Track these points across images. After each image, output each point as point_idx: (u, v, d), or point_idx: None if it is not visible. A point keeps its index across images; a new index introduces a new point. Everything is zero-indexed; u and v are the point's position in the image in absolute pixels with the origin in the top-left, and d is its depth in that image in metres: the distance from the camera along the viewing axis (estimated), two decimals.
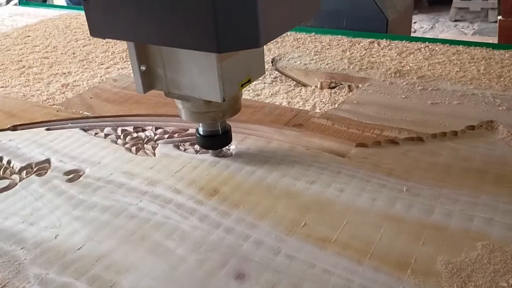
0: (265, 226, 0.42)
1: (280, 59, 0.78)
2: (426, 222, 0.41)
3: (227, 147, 0.54)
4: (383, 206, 0.43)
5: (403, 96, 0.63)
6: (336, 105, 0.62)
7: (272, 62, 0.77)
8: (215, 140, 0.51)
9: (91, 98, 0.71)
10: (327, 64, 0.74)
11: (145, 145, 0.57)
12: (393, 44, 0.89)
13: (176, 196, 0.47)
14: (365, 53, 0.83)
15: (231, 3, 0.35)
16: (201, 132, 0.51)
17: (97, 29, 0.42)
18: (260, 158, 0.52)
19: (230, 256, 0.39)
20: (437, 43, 0.88)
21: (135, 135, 0.60)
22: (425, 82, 0.67)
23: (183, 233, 0.42)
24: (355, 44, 0.89)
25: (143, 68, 0.45)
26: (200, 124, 0.50)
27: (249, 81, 0.46)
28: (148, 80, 0.47)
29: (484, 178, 0.47)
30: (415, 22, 3.39)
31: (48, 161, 0.55)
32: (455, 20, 3.43)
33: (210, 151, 0.53)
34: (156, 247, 0.40)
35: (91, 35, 0.42)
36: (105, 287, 0.37)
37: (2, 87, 0.83)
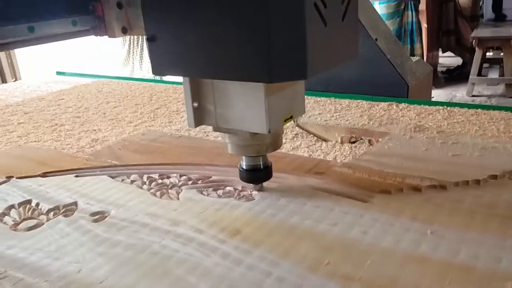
0: (287, 264, 0.42)
1: (301, 116, 0.80)
2: (452, 263, 0.40)
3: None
4: (407, 247, 0.43)
5: (424, 149, 0.64)
6: (359, 156, 0.63)
7: (293, 120, 0.80)
8: (257, 174, 0.54)
9: (119, 149, 0.74)
10: (347, 121, 0.76)
11: (169, 190, 0.58)
12: (412, 107, 0.91)
13: (199, 236, 0.47)
14: (384, 113, 0.85)
15: (284, 37, 0.39)
16: (244, 166, 0.53)
17: (158, 67, 0.47)
18: (282, 202, 0.53)
19: None
20: (456, 107, 0.90)
21: (160, 181, 0.61)
22: (445, 137, 0.68)
23: (205, 269, 0.42)
24: (374, 106, 0.91)
25: (195, 104, 0.49)
26: (244, 159, 0.53)
27: (291, 118, 0.50)
28: (199, 116, 0.50)
29: (509, 223, 0.46)
30: (432, 97, 3.45)
31: (75, 203, 0.56)
32: (472, 96, 3.48)
33: (252, 185, 0.55)
34: (178, 282, 0.40)
35: (153, 73, 0.48)
36: None
37: (35, 141, 0.87)
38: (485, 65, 3.53)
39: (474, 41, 3.00)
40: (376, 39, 1.05)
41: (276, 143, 0.52)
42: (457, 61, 4.19)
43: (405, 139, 0.68)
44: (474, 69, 3.18)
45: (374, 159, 0.62)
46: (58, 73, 1.71)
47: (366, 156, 0.63)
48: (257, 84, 0.46)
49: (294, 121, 0.80)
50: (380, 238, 0.45)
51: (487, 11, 3.61)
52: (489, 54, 3.63)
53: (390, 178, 0.56)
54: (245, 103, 0.47)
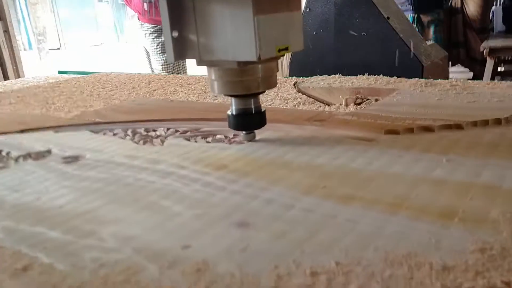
0: (278, 189, 0.35)
1: (302, 81, 0.75)
2: (474, 183, 0.34)
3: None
4: (420, 172, 0.37)
5: (437, 99, 0.58)
6: (363, 107, 0.57)
7: (294, 85, 0.75)
8: (249, 119, 0.47)
9: (105, 111, 0.69)
10: (352, 83, 0.70)
11: (154, 139, 0.53)
12: (423, 81, 0.85)
13: (180, 171, 0.41)
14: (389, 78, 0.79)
15: None
16: (233, 111, 0.47)
17: None
18: (277, 144, 0.47)
19: (234, 211, 0.32)
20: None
21: (145, 133, 0.56)
22: (459, 89, 0.62)
23: (182, 195, 0.36)
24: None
25: (175, 34, 0.44)
26: (233, 103, 0.47)
27: (286, 49, 0.44)
28: (179, 48, 0.45)
29: None
30: None
31: (49, 151, 0.51)
32: None
33: (241, 134, 0.49)
34: (150, 205, 0.34)
35: None
36: (81, 235, 0.30)
37: (21, 109, 0.83)
38: (496, 77, 3.46)
39: (484, 51, 2.94)
40: (388, 18, 1.00)
41: (269, 80, 0.46)
42: (467, 75, 4.12)
43: (416, 93, 0.62)
44: (486, 80, 3.11)
45: (381, 108, 0.56)
46: (60, 72, 1.68)
47: (373, 107, 0.57)
48: (244, 2, 0.41)
49: (294, 86, 0.74)
50: (386, 167, 0.38)
51: (497, 23, 3.56)
52: (501, 68, 3.56)
53: (399, 121, 0.50)
54: (231, 27, 0.42)
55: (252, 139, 0.49)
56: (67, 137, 0.55)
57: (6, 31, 2.45)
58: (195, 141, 0.51)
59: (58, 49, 10.72)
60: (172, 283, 0.24)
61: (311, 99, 0.72)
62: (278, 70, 0.48)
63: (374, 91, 0.66)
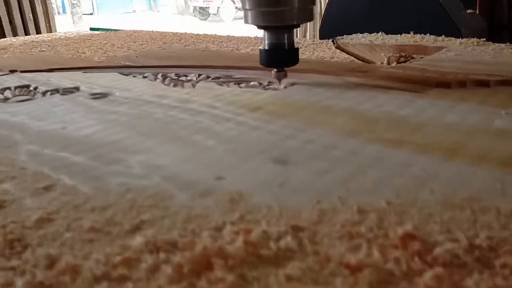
0: (318, 130, 0.33)
1: (342, 38, 0.71)
2: None
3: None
4: (477, 122, 0.33)
5: (491, 56, 0.53)
6: (408, 62, 0.53)
7: (332, 41, 0.71)
8: (281, 55, 0.44)
9: (136, 56, 0.67)
10: (396, 40, 0.66)
11: (184, 83, 0.50)
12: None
13: (212, 110, 0.39)
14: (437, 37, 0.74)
15: None
16: (265, 46, 0.44)
17: None
18: (316, 90, 0.44)
19: (271, 148, 0.30)
20: None
21: (175, 78, 0.53)
22: None
23: (215, 132, 0.33)
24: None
25: None
26: (266, 37, 0.44)
27: None
28: None
29: None
30: None
31: (77, 88, 0.49)
32: None
33: (273, 72, 0.46)
34: (180, 138, 0.32)
35: None
36: (108, 162, 0.28)
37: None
38: None
39: None
40: None
41: (305, 12, 0.43)
42: None
43: (467, 51, 0.57)
44: None
45: (430, 63, 0.52)
46: (92, 28, 1.67)
47: (420, 61, 0.53)
48: None
49: (333, 42, 0.70)
50: (439, 116, 0.35)
51: None
52: None
53: (450, 75, 0.46)
54: None
55: (283, 78, 0.46)
56: (95, 77, 0.53)
57: None
58: (228, 86, 0.48)
59: (91, 14, 10.76)
60: (203, 210, 0.22)
61: (351, 57, 0.68)
62: (315, 4, 0.44)
63: (421, 49, 0.62)
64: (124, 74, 0.56)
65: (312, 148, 0.29)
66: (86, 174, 0.26)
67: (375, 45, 0.65)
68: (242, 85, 0.48)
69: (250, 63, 0.58)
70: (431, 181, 0.24)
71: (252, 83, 0.49)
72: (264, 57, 0.45)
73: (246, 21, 0.44)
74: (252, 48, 0.74)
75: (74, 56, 0.82)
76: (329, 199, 0.23)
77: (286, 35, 0.43)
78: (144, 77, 0.54)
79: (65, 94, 0.46)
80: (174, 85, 0.49)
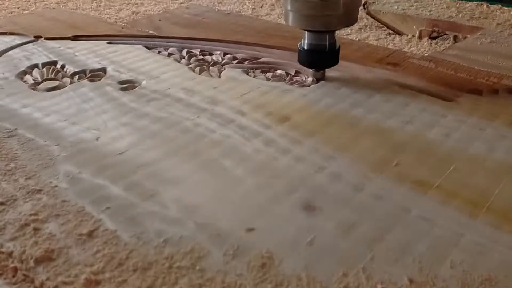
0: (345, 159, 0.33)
1: (373, 2, 0.68)
2: None
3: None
4: (503, 156, 0.33)
5: None
6: (442, 50, 0.52)
7: (363, 5, 0.67)
8: (321, 57, 0.43)
9: (159, 20, 0.65)
10: (430, 11, 0.63)
11: (210, 68, 0.50)
12: (506, 9, 0.76)
13: (240, 118, 0.39)
14: (475, 8, 0.71)
15: None
16: (305, 46, 0.43)
17: None
18: (344, 91, 0.43)
19: (299, 185, 0.31)
20: None
21: (200, 57, 0.53)
22: None
23: (244, 154, 0.34)
24: (460, 3, 0.76)
25: None
26: (306, 36, 0.43)
27: None
28: None
29: None
30: None
31: (103, 69, 0.49)
32: None
33: (311, 71, 0.46)
34: (210, 164, 0.33)
35: None
36: (144, 196, 0.30)
37: (72, 9, 0.79)
38: None
39: None
40: None
41: (350, 17, 0.41)
42: None
43: (503, 36, 0.55)
44: None
45: (462, 55, 0.50)
46: None
47: (452, 50, 0.52)
48: None
49: (364, 8, 0.67)
50: (467, 143, 0.35)
51: None
52: None
53: (482, 77, 0.45)
54: None
55: (321, 77, 0.46)
56: (122, 54, 0.53)
57: None
58: (254, 76, 0.48)
59: None
60: (237, 277, 0.24)
61: (380, 24, 0.65)
62: (361, 4, 0.42)
63: (455, 27, 0.59)
64: (149, 48, 0.55)
65: (339, 188, 0.30)
66: (125, 214, 0.28)
67: (407, 16, 0.63)
68: (269, 74, 0.48)
69: (277, 38, 0.56)
70: (453, 249, 0.25)
71: (278, 72, 0.49)
72: (303, 57, 0.44)
73: (286, 21, 0.42)
74: (276, 13, 0.71)
75: (97, 13, 0.80)
76: (355, 269, 0.24)
77: (328, 36, 0.42)
78: (170, 54, 0.53)
79: (93, 81, 0.47)
80: (201, 71, 0.49)
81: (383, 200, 0.29)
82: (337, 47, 0.44)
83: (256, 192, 0.30)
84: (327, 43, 0.43)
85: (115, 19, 0.71)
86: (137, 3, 0.83)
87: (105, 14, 0.75)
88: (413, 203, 0.29)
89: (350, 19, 0.41)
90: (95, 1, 0.85)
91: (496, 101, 0.41)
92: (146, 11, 0.78)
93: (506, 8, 0.76)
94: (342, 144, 0.35)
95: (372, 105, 0.41)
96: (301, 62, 0.45)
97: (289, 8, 0.42)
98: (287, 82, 0.46)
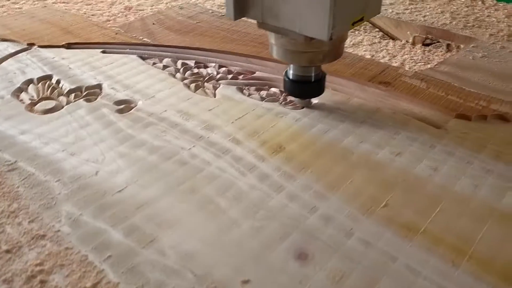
0: (336, 199, 0.35)
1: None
2: None
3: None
4: (487, 196, 0.35)
5: None
6: (434, 66, 0.52)
7: (364, 21, 0.67)
8: (306, 87, 0.44)
9: (153, 24, 0.65)
10: (424, 16, 0.63)
11: (205, 83, 0.50)
12: (500, 5, 0.76)
13: (235, 147, 0.40)
14: (467, 10, 0.71)
15: None
16: (290, 76, 0.44)
17: None
18: (336, 116, 0.44)
19: (292, 229, 0.32)
20: None
21: (195, 70, 0.53)
22: None
23: (239, 191, 0.35)
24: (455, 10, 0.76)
25: None
26: (291, 66, 0.43)
27: (361, 20, 0.38)
28: (242, 5, 0.39)
29: None
30: None
31: (99, 86, 0.50)
32: None
33: (296, 99, 0.46)
34: (206, 204, 0.34)
35: None
36: (143, 242, 0.31)
37: (64, 2, 0.78)
38: None
39: None
40: None
41: (336, 52, 0.41)
42: None
43: (495, 50, 0.55)
44: None
45: (454, 72, 0.51)
46: None
47: (445, 66, 0.52)
48: None
49: None
50: (453, 179, 0.36)
51: None
52: None
53: (472, 100, 0.46)
54: None
55: (307, 105, 0.46)
56: (117, 66, 0.53)
57: None
58: (249, 94, 0.48)
59: None
60: None
61: (374, 27, 0.65)
62: (347, 38, 0.43)
63: (448, 35, 0.59)
64: (143, 58, 0.55)
65: (330, 233, 0.32)
66: (126, 263, 0.29)
67: (402, 21, 0.63)
68: (263, 93, 0.49)
69: None
70: None
71: (272, 90, 0.49)
72: (288, 87, 0.44)
73: (270, 53, 0.43)
74: None
75: (88, 15, 0.79)
76: None
77: (313, 68, 0.42)
78: (165, 66, 0.54)
79: (89, 100, 0.47)
80: (196, 88, 0.49)
81: (372, 246, 0.31)
82: (322, 76, 0.44)
83: (250, 237, 0.32)
84: (312, 74, 0.43)
85: (107, 17, 0.71)
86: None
87: (97, 10, 0.74)
88: (400, 250, 0.30)
89: (336, 54, 0.41)
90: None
91: (484, 128, 0.42)
92: (139, 5, 0.77)
93: (501, 4, 0.76)
94: (333, 180, 0.36)
95: (363, 133, 0.42)
96: (286, 91, 0.45)
97: (273, 41, 0.42)
98: (281, 103, 0.47)
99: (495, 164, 0.38)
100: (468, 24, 0.61)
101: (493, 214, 0.33)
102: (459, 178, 0.37)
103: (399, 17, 0.64)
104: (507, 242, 0.31)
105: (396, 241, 0.31)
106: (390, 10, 0.65)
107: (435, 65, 0.52)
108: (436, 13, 0.64)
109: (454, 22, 0.61)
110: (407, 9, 0.66)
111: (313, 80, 0.43)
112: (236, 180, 0.37)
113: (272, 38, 0.41)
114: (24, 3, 0.77)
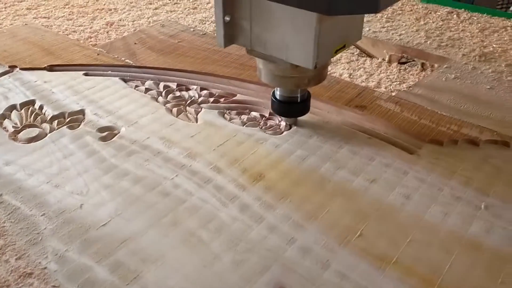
0: (314, 229, 0.36)
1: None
2: (508, 255, 0.34)
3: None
4: (456, 224, 0.37)
5: (488, 87, 0.54)
6: (408, 87, 0.54)
7: (346, 48, 0.69)
8: (293, 108, 0.46)
9: (135, 43, 0.65)
10: (399, 35, 0.65)
11: (187, 107, 0.52)
12: (475, 18, 0.78)
13: (216, 176, 0.41)
14: (442, 25, 0.73)
15: None
16: (277, 97, 0.46)
17: None
18: (314, 141, 0.46)
19: (271, 262, 0.34)
20: None
21: (178, 93, 0.54)
22: None
23: (221, 223, 0.37)
24: (431, 13, 0.78)
25: (227, 18, 0.40)
26: (278, 89, 0.46)
27: (343, 47, 0.40)
28: (231, 33, 0.41)
29: None
30: None
31: (82, 112, 0.50)
32: None
33: (283, 118, 0.48)
34: (189, 237, 0.36)
35: None
36: (128, 279, 0.32)
37: (45, 17, 0.78)
38: None
39: None
40: None
41: (320, 76, 0.44)
42: None
43: (467, 70, 0.57)
44: None
45: (427, 94, 0.53)
46: None
47: (418, 88, 0.54)
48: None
49: None
50: (424, 207, 0.38)
51: None
52: None
53: (444, 125, 0.48)
54: (290, 27, 0.38)
55: (293, 123, 0.48)
56: (99, 90, 0.54)
57: None
58: (230, 119, 0.50)
59: None
60: None
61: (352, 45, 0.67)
62: (331, 63, 0.44)
63: (422, 55, 0.61)
64: (125, 80, 0.56)
65: (308, 266, 0.33)
66: None
67: (378, 41, 0.64)
68: (244, 117, 0.50)
69: (252, 69, 0.58)
70: None
71: (253, 113, 0.50)
72: (276, 107, 0.46)
73: (259, 77, 0.44)
74: None
75: (69, 32, 0.79)
76: None
77: (299, 90, 0.44)
78: (147, 89, 0.55)
79: (72, 127, 0.48)
80: (178, 112, 0.50)
81: (347, 278, 0.32)
82: (307, 96, 0.46)
83: (231, 271, 0.33)
84: (298, 95, 0.45)
85: (89, 34, 0.71)
86: (110, 10, 0.83)
87: (78, 26, 0.75)
88: (373, 282, 0.32)
89: (320, 78, 0.44)
90: (67, 7, 0.84)
91: (455, 153, 0.44)
92: (120, 20, 0.77)
93: (475, 17, 0.78)
94: (311, 210, 0.38)
95: (340, 159, 0.44)
96: (274, 110, 0.47)
97: (260, 66, 0.43)
98: (261, 127, 0.48)
99: (465, 191, 0.40)
100: (442, 44, 0.63)
101: (460, 243, 0.35)
102: (430, 206, 0.39)
103: (375, 36, 0.66)
104: (474, 270, 0.33)
105: (371, 272, 0.33)
106: (367, 29, 0.67)
107: (409, 87, 0.54)
108: (412, 31, 0.66)
109: (428, 42, 0.63)
110: (383, 27, 0.67)
111: (299, 100, 0.45)
112: (218, 212, 0.38)
113: (260, 63, 0.43)
114: (4, 18, 0.77)
